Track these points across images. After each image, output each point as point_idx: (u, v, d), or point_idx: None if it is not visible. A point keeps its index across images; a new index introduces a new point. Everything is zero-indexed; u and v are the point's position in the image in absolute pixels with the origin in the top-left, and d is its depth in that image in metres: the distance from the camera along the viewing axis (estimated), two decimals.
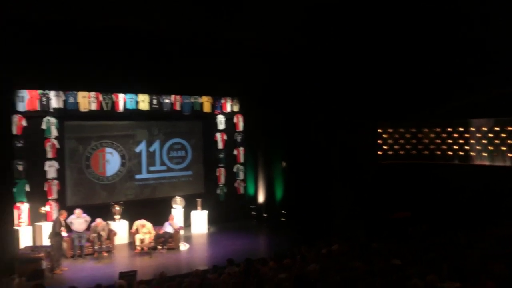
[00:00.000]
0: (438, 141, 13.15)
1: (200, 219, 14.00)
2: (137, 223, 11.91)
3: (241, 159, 15.66)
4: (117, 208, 12.79)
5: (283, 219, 14.36)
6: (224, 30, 12.18)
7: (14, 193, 11.79)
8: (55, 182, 12.51)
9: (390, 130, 13.31)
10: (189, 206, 14.17)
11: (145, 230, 11.78)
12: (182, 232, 13.16)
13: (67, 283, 9.26)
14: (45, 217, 12.01)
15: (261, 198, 15.38)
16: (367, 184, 12.92)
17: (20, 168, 11.96)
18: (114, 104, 13.16)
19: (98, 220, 11.59)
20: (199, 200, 14.13)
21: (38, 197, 12.21)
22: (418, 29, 11.33)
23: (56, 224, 10.34)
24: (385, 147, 13.30)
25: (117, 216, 12.76)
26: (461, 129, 12.82)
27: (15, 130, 11.87)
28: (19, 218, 11.70)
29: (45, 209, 12.05)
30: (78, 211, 11.31)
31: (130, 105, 13.41)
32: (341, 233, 12.16)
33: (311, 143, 13.72)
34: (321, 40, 12.86)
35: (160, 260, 11.10)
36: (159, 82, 13.15)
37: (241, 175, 15.65)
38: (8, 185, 10.58)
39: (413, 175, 12.97)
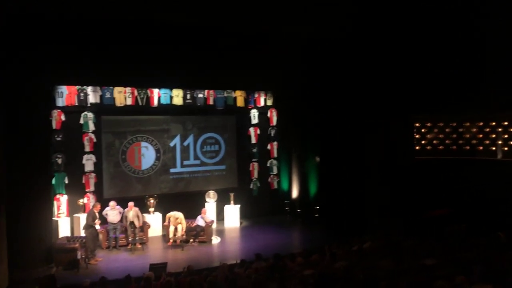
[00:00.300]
0: (480, 135, 12.47)
1: (232, 213, 14.02)
2: (169, 215, 12.03)
3: (275, 154, 15.54)
4: (152, 201, 13.02)
5: (316, 215, 14.11)
6: (258, 22, 12.04)
7: (54, 185, 12.29)
8: (93, 175, 12.89)
9: (428, 124, 12.75)
10: (222, 200, 14.24)
11: (178, 220, 11.87)
12: (214, 225, 13.27)
13: (100, 273, 9.49)
14: (83, 208, 12.40)
15: (295, 193, 15.22)
16: (403, 180, 12.45)
17: (59, 161, 12.41)
18: (149, 99, 13.39)
19: (130, 203, 11.79)
20: (232, 194, 14.15)
21: (76, 189, 12.63)
22: (461, 13, 10.74)
23: (90, 216, 10.63)
24: (423, 141, 12.76)
25: (151, 209, 13.00)
26: (505, 123, 12.10)
27: (54, 125, 12.33)
28: (58, 209, 12.15)
29: (83, 201, 12.43)
30: (112, 203, 11.60)
31: (164, 100, 13.60)
32: (376, 230, 11.89)
33: (345, 138, 13.38)
34: (356, 31, 12.50)
35: (191, 253, 11.23)
36: (193, 77, 13.20)
37: (275, 170, 15.54)
38: (46, 178, 10.93)
39: (453, 171, 12.38)
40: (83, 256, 10.05)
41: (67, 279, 9.09)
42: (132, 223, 11.44)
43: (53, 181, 12.27)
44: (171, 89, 13.62)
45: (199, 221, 12.14)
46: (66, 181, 12.50)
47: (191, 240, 11.92)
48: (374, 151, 12.93)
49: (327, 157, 14.07)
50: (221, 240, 12.48)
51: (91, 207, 11.34)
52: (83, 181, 12.78)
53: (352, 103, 13.25)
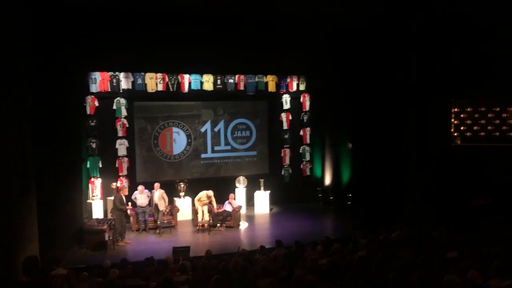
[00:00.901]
0: None
1: (262, 199, 13.95)
2: (200, 195, 12.14)
3: (308, 140, 15.25)
4: (182, 185, 13.18)
5: (349, 203, 13.76)
6: (290, 4, 11.73)
7: (89, 169, 12.73)
8: (125, 159, 13.22)
9: (469, 109, 11.99)
10: (253, 186, 14.20)
11: (209, 199, 12.14)
12: (243, 211, 13.30)
13: (125, 255, 9.77)
14: (117, 191, 12.73)
15: (328, 180, 14.90)
16: (440, 167, 11.85)
17: (93, 145, 12.79)
18: (179, 84, 13.47)
19: (156, 184, 12.04)
20: (262, 180, 14.06)
21: (110, 173, 13.02)
22: None
23: (117, 199, 10.91)
24: (462, 127, 12.03)
25: (182, 193, 13.17)
26: None
27: (88, 110, 12.69)
28: (92, 192, 12.58)
29: (116, 184, 12.77)
30: (140, 188, 11.84)
31: (195, 86, 13.63)
32: (409, 219, 11.45)
33: (380, 124, 12.89)
34: (391, 13, 11.93)
35: (217, 238, 11.29)
36: (224, 62, 13.21)
37: (307, 156, 15.26)
38: (78, 161, 11.32)
39: (495, 159, 11.60)
40: (111, 238, 10.34)
41: (94, 260, 9.36)
42: (156, 205, 11.62)
43: (88, 165, 12.72)
44: (201, 75, 13.63)
45: (227, 207, 12.18)
46: (100, 165, 12.89)
47: (218, 224, 11.98)
48: (410, 137, 12.39)
49: (361, 143, 13.63)
50: (248, 226, 12.47)
51: (117, 191, 11.56)
52: (116, 165, 13.13)
53: (388, 87, 12.72)
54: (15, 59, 8.45)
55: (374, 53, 12.85)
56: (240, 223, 12.46)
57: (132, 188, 12.90)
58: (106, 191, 12.76)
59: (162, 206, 11.73)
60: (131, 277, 7.04)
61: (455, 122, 11.91)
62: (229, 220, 12.07)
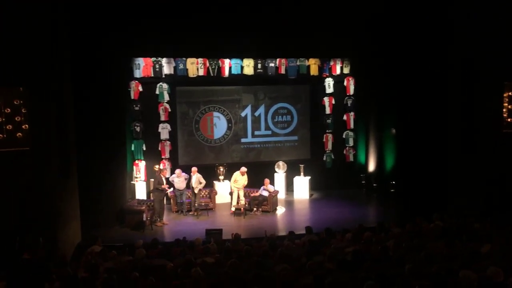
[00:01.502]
0: None
1: (302, 185, 13.80)
2: (234, 175, 12.34)
3: (351, 125, 14.82)
4: (221, 169, 13.35)
5: (392, 190, 13.27)
6: None
7: (133, 151, 13.23)
8: (168, 143, 13.59)
9: None
10: (293, 171, 14.08)
11: (242, 179, 12.25)
12: (282, 196, 13.28)
13: (161, 235, 10.12)
14: (159, 173, 13.13)
15: (371, 166, 14.44)
16: (489, 155, 11.06)
17: (137, 129, 13.26)
18: (220, 69, 13.55)
19: (193, 169, 12.24)
20: (301, 166, 13.90)
21: (153, 155, 13.45)
22: None
23: (156, 181, 11.25)
24: None
25: (221, 177, 13.35)
26: None
27: (132, 95, 13.13)
28: (136, 174, 13.06)
29: (158, 166, 13.12)
30: (178, 171, 12.09)
31: (235, 70, 13.66)
32: (454, 209, 10.89)
33: (425, 109, 12.22)
34: None
35: (251, 222, 11.35)
36: (264, 46, 13.02)
37: (351, 142, 14.86)
38: (120, 144, 11.76)
39: None
40: (149, 218, 10.70)
41: (132, 239, 9.70)
42: (193, 189, 11.86)
43: (132, 148, 13.22)
44: (242, 59, 13.60)
45: (263, 192, 12.18)
46: (144, 148, 13.35)
47: (255, 209, 12.03)
48: (456, 123, 11.66)
49: (405, 129, 13.02)
50: (286, 211, 12.41)
51: (157, 172, 11.87)
52: (159, 148, 13.53)
53: (434, 70, 12.00)
54: (56, 43, 8.88)
55: (420, 34, 12.12)
56: (277, 208, 12.43)
57: (174, 171, 13.30)
58: (150, 173, 13.18)
59: (197, 189, 11.91)
60: (158, 257, 7.24)
61: (509, 106, 11.00)
62: (265, 204, 12.08)
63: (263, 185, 12.35)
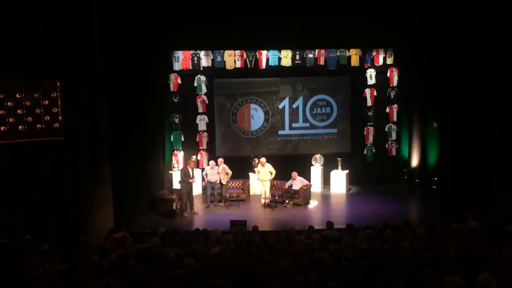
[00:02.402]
0: None
1: (339, 179, 13.47)
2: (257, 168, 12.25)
3: (394, 118, 14.20)
4: (256, 161, 13.35)
5: (434, 187, 12.57)
6: None
7: (172, 142, 13.65)
8: (205, 134, 13.84)
9: None
10: (332, 165, 13.75)
11: (264, 170, 12.06)
12: (318, 190, 13.10)
13: (189, 223, 10.37)
14: (197, 164, 13.44)
15: (415, 161, 13.76)
16: None
17: (176, 120, 13.64)
18: (257, 61, 13.53)
19: (220, 160, 12.26)
20: (339, 159, 13.55)
21: (191, 146, 13.77)
22: None
23: (182, 172, 11.50)
24: None
25: (256, 169, 13.34)
26: None
27: (172, 87, 13.50)
28: (175, 163, 13.44)
29: (195, 157, 13.43)
30: (212, 163, 12.15)
31: (273, 62, 13.56)
32: (498, 209, 10.15)
33: (472, 102, 11.40)
34: None
35: (280, 215, 11.28)
36: (302, 36, 12.84)
37: (394, 135, 14.24)
38: (155, 135, 12.17)
39: None
40: (178, 207, 10.99)
41: (160, 226, 10.00)
42: (220, 183, 11.90)
43: (171, 138, 13.64)
44: (279, 51, 13.47)
45: (293, 184, 12.04)
46: (183, 139, 13.71)
47: (286, 201, 11.95)
48: (505, 117, 10.77)
49: (450, 123, 12.24)
50: (319, 205, 12.20)
51: (186, 164, 12.09)
52: (197, 139, 13.82)
53: (481, 62, 11.13)
54: (89, 36, 9.36)
55: (469, 23, 11.27)
56: (310, 201, 12.25)
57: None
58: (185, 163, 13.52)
59: (225, 180, 11.95)
60: (172, 246, 7.43)
61: None
62: (296, 197, 11.94)
63: (291, 177, 12.20)
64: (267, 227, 10.06)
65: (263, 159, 12.23)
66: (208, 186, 12.02)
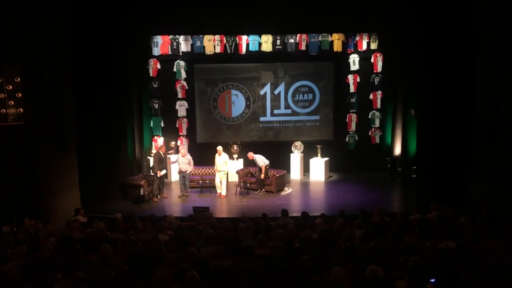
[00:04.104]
0: None
1: (318, 166, 13.29)
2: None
3: (378, 105, 13.88)
4: (235, 147, 13.28)
5: (414, 176, 12.27)
6: None
7: (152, 127, 13.66)
8: (185, 120, 13.79)
9: None
10: (314, 152, 13.54)
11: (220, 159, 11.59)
12: (297, 177, 12.97)
13: (157, 209, 10.33)
14: (176, 150, 13.41)
15: (398, 149, 13.45)
16: None
17: (156, 106, 13.62)
18: (237, 46, 13.34)
19: (219, 148, 11.73)
20: (319, 146, 13.35)
21: (171, 132, 13.75)
22: None
23: (156, 157, 11.48)
24: None
25: (235, 155, 13.28)
26: None
27: (151, 73, 13.45)
28: (156, 149, 13.43)
29: (175, 143, 13.40)
30: (183, 151, 11.84)
31: (253, 47, 13.37)
32: (477, 199, 9.87)
33: (453, 91, 11.00)
34: None
35: (248, 202, 11.15)
36: (283, 20, 12.55)
37: (377, 123, 13.94)
38: (123, 120, 12.12)
39: None
40: (146, 193, 11.00)
41: (127, 211, 10.03)
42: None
43: (151, 124, 13.65)
44: (260, 35, 13.25)
45: (258, 164, 11.88)
46: (162, 125, 13.71)
47: (258, 191, 11.82)
48: (484, 109, 10.42)
49: (429, 111, 11.85)
50: (296, 193, 12.04)
51: (157, 149, 12.03)
52: (177, 125, 13.77)
53: (467, 52, 10.66)
54: (55, 21, 9.33)
55: (456, 7, 10.78)
56: (285, 188, 12.14)
57: (193, 148, 13.52)
58: (167, 149, 13.49)
59: (223, 168, 11.57)
60: (118, 231, 7.45)
61: None
62: (268, 184, 11.82)
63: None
64: (232, 214, 9.98)
65: (219, 148, 11.68)
66: (180, 176, 11.74)
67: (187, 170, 11.48)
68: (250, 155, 12.06)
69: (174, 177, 12.93)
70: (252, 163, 12.25)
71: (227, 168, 11.67)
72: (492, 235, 6.26)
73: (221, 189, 11.60)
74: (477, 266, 4.56)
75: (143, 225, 7.81)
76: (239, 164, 13.21)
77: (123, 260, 5.33)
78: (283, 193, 11.92)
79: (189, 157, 11.64)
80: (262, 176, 11.73)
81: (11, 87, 9.45)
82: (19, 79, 9.34)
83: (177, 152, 13.19)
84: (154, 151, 13.24)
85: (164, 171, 11.48)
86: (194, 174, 12.33)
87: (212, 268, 4.58)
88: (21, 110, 9.43)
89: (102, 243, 6.37)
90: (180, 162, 11.61)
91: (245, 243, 6.05)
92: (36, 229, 7.51)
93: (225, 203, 11.08)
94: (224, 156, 11.62)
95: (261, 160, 11.80)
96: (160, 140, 13.54)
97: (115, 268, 4.59)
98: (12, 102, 9.47)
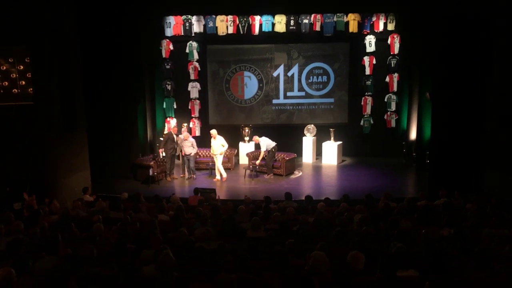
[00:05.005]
0: None
1: (331, 150, 13.08)
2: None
3: (394, 88, 13.49)
4: (247, 130, 13.20)
5: (427, 161, 11.93)
6: None
7: (165, 109, 13.69)
8: (197, 101, 13.76)
9: None
10: (327, 136, 13.32)
11: (216, 142, 11.30)
12: (309, 161, 12.79)
13: (164, 190, 10.40)
14: (189, 131, 13.41)
15: (413, 134, 13.09)
16: None
17: (168, 87, 13.61)
18: (250, 27, 13.14)
19: (213, 131, 11.54)
20: (332, 130, 13.12)
21: (184, 113, 13.76)
22: None
23: (166, 136, 11.51)
24: None
25: (246, 138, 13.22)
26: None
27: (164, 54, 13.42)
28: (168, 130, 13.49)
29: (187, 124, 13.40)
30: (185, 134, 11.56)
31: (266, 28, 13.14)
32: (490, 187, 9.55)
33: (469, 74, 10.56)
34: None
35: (256, 185, 11.05)
36: (297, 0, 12.36)
37: (393, 106, 13.57)
38: (133, 102, 12.18)
39: None
40: (155, 173, 11.07)
41: (142, 191, 10.08)
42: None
43: (164, 105, 13.68)
44: (273, 15, 13.00)
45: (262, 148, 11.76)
46: (175, 106, 13.71)
47: (267, 175, 11.73)
48: (498, 96, 9.95)
49: (443, 95, 11.43)
50: (302, 176, 11.89)
51: (170, 130, 12.05)
52: (189, 107, 13.76)
53: (484, 36, 10.18)
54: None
55: None
56: (295, 172, 12.02)
57: (206, 130, 13.49)
58: (179, 131, 13.53)
59: (218, 151, 11.33)
60: (121, 211, 7.53)
61: None
62: (278, 167, 11.72)
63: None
64: (239, 197, 9.90)
65: (213, 132, 11.39)
66: (184, 159, 11.59)
67: (190, 153, 11.34)
68: (256, 138, 11.98)
69: None
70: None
71: (224, 149, 11.37)
72: (498, 224, 6.03)
73: (221, 173, 11.33)
74: (470, 255, 4.37)
75: (147, 205, 7.87)
76: (250, 146, 13.13)
77: (115, 239, 5.35)
78: (292, 176, 11.80)
79: (191, 139, 11.49)
80: (258, 162, 11.59)
81: (22, 67, 9.61)
82: (28, 59, 9.47)
83: (189, 133, 13.23)
84: (166, 132, 13.30)
85: (163, 154, 11.39)
86: (204, 156, 12.35)
87: (195, 249, 4.55)
88: (31, 90, 9.61)
89: (104, 222, 6.49)
90: (184, 145, 11.47)
91: (241, 225, 6.01)
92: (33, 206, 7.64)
93: (233, 185, 11.03)
94: (220, 139, 11.29)
95: (265, 144, 11.67)
96: (172, 122, 13.58)
97: (101, 246, 4.62)
98: (23, 82, 9.65)
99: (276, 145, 11.80)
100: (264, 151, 11.67)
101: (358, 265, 3.82)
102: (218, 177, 11.36)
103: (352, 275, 3.59)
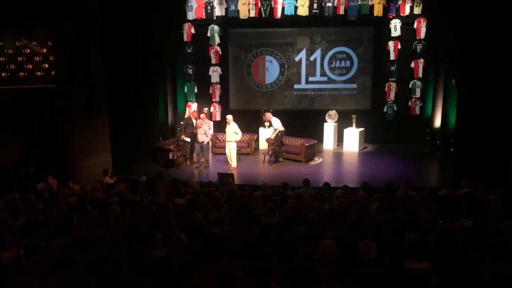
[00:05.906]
0: None
1: (353, 137, 12.87)
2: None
3: (420, 74, 13.12)
4: (267, 115, 13.07)
5: (451, 150, 11.62)
6: None
7: (186, 93, 13.72)
8: (218, 86, 13.73)
9: None
10: (349, 122, 13.12)
11: (230, 128, 10.90)
12: (330, 147, 12.73)
13: (183, 174, 10.47)
14: (209, 116, 13.46)
15: (438, 121, 12.74)
16: None
17: (190, 71, 13.62)
18: (272, 10, 12.95)
19: (229, 117, 11.10)
20: (354, 116, 12.90)
21: (205, 98, 13.76)
22: None
23: (185, 121, 11.51)
24: None
25: (266, 123, 13.12)
26: None
27: (185, 37, 13.40)
28: (189, 114, 13.53)
29: (207, 109, 13.41)
30: (199, 121, 10.99)
31: (289, 11, 12.94)
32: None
33: (495, 63, 10.16)
34: None
35: (274, 171, 10.98)
36: None
37: (418, 93, 13.22)
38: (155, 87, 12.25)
39: None
40: (175, 157, 11.14)
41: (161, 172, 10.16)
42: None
43: (185, 90, 13.70)
44: None
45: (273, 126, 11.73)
46: (196, 90, 13.72)
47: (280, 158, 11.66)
48: None
49: (469, 82, 11.04)
50: (321, 163, 11.75)
51: (189, 114, 12.04)
52: (210, 91, 13.74)
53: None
54: None
55: None
56: (315, 158, 11.91)
57: (225, 115, 13.42)
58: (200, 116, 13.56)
59: (231, 138, 11.05)
60: (139, 194, 7.62)
61: None
62: (297, 154, 11.62)
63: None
64: (257, 182, 9.86)
65: (229, 117, 10.91)
66: (197, 146, 11.18)
67: (203, 141, 10.94)
68: (268, 115, 11.85)
69: None
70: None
71: (238, 138, 10.94)
72: None
73: (231, 161, 11.05)
74: (488, 247, 4.23)
75: (165, 188, 7.93)
76: (270, 132, 13.00)
77: (129, 221, 5.42)
78: (312, 163, 11.68)
79: (206, 127, 10.97)
80: (272, 137, 11.52)
81: (45, 50, 9.77)
82: (51, 42, 9.61)
83: (210, 118, 13.26)
84: (186, 116, 13.35)
85: (188, 139, 11.32)
86: (223, 141, 12.32)
87: (206, 234, 4.56)
88: (53, 73, 9.77)
89: (121, 205, 6.58)
90: (198, 133, 11.02)
91: (256, 211, 5.99)
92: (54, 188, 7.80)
93: (252, 170, 11.00)
94: (234, 126, 10.81)
95: (277, 123, 11.56)
96: (193, 106, 13.61)
97: (114, 228, 4.68)
98: (47, 65, 9.81)
99: (283, 130, 11.65)
100: (277, 128, 11.55)
101: (369, 255, 3.75)
102: (234, 164, 11.09)
103: (355, 264, 3.51)
